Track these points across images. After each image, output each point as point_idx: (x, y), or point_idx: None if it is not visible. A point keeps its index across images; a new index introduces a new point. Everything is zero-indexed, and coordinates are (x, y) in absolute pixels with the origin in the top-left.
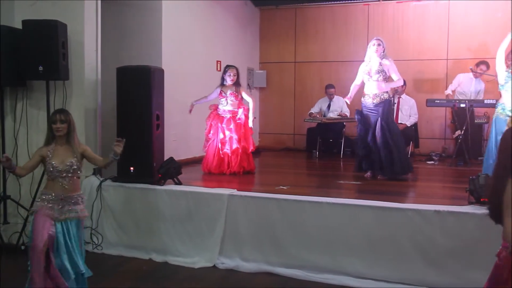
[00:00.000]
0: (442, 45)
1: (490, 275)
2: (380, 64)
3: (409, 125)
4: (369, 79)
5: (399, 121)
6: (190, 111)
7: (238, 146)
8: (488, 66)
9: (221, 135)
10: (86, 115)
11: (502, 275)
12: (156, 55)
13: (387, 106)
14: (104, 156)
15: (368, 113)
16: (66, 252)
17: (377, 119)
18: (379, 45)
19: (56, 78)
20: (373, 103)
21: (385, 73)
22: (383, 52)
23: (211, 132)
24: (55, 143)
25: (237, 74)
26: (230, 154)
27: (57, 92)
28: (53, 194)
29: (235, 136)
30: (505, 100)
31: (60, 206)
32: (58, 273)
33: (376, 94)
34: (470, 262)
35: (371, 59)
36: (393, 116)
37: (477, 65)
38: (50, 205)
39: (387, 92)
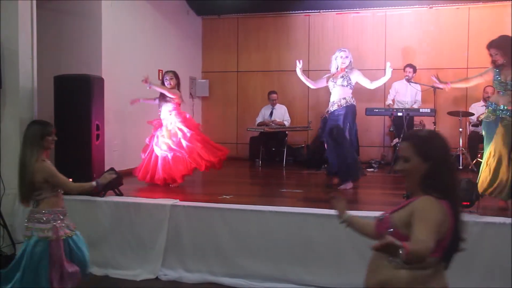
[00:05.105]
0: (380, 55)
1: None
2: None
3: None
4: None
5: None
6: (133, 102)
7: (170, 153)
8: (415, 70)
9: (155, 140)
10: (22, 125)
11: None
12: (95, 63)
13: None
14: None
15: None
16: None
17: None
18: (346, 57)
19: None
20: None
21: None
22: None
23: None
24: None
25: (175, 78)
26: (170, 161)
27: None
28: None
29: (169, 143)
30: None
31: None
32: None
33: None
34: None
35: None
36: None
37: (404, 69)
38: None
39: (344, 98)
